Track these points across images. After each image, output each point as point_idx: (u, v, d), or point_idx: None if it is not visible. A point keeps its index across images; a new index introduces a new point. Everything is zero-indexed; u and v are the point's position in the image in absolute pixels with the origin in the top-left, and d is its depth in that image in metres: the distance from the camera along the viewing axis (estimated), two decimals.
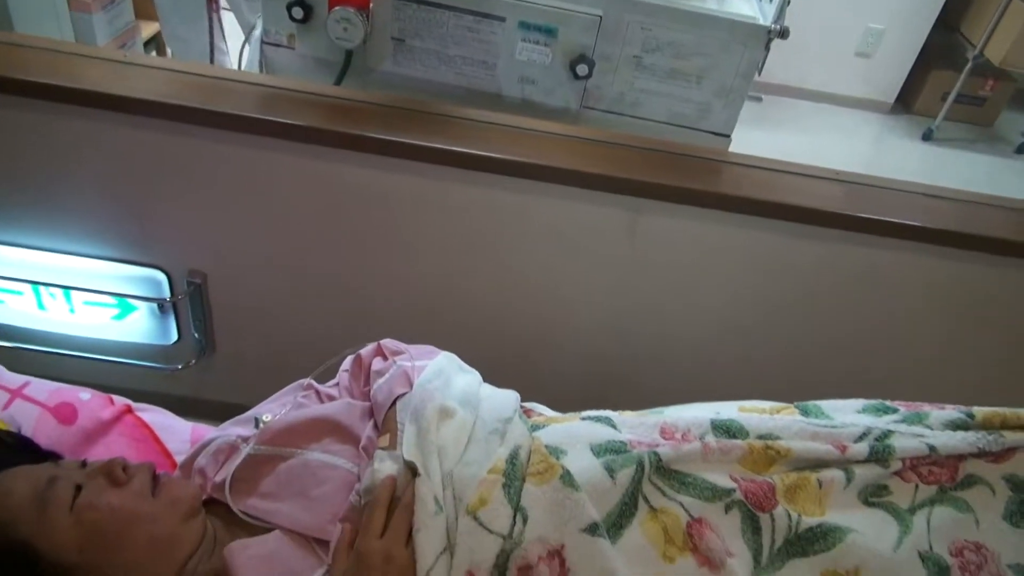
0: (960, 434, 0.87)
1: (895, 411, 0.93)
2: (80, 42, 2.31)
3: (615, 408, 0.99)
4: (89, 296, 1.43)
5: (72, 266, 1.40)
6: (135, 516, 0.77)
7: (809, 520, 0.80)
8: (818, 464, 0.85)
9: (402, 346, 1.05)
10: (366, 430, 0.92)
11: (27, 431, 1.00)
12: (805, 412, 0.94)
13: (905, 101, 3.98)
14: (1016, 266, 1.28)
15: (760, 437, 0.87)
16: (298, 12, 1.40)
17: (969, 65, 3.60)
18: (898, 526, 0.82)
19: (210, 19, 2.17)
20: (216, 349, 1.56)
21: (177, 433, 1.09)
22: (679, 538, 0.79)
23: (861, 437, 0.87)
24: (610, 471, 0.81)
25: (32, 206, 1.34)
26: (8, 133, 1.25)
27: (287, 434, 0.91)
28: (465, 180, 1.25)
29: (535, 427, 0.92)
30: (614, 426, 0.92)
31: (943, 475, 0.86)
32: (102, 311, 1.46)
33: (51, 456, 0.91)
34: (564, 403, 1.10)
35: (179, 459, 1.00)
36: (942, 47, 3.81)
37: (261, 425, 0.94)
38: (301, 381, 1.03)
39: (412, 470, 0.82)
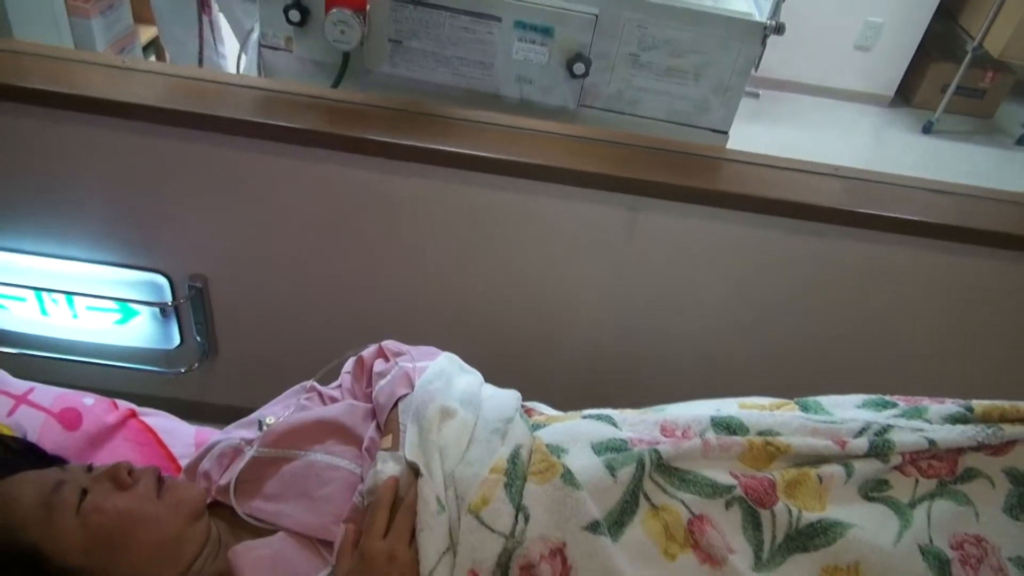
0: (959, 428, 0.87)
1: (894, 406, 0.94)
2: (79, 47, 2.32)
3: (616, 406, 0.99)
4: (91, 301, 1.44)
5: (74, 272, 1.41)
6: (140, 519, 0.78)
7: (809, 515, 0.81)
8: (818, 459, 0.86)
9: (403, 347, 1.05)
10: (368, 431, 0.92)
11: (32, 437, 1.00)
12: (805, 408, 0.95)
13: (905, 94, 3.97)
14: (1016, 259, 1.28)
15: (760, 433, 0.87)
16: (295, 15, 1.40)
17: (968, 57, 3.59)
18: (898, 520, 0.82)
19: (200, 22, 2.17)
20: (219, 352, 1.56)
21: (181, 437, 1.10)
22: (680, 535, 0.80)
23: (861, 432, 0.87)
24: (611, 469, 0.82)
25: (33, 212, 1.34)
26: (7, 140, 1.25)
27: (290, 436, 0.92)
28: (464, 181, 1.26)
29: (536, 426, 0.93)
30: (615, 424, 0.93)
31: (943, 469, 0.86)
32: (104, 316, 1.47)
33: (57, 461, 0.91)
34: (565, 401, 1.11)
35: (183, 463, 1.01)
36: (941, 39, 3.81)
37: (264, 427, 0.94)
38: (304, 383, 1.04)
39: (414, 470, 0.83)
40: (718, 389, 1.05)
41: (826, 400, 0.96)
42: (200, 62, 2.23)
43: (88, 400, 1.08)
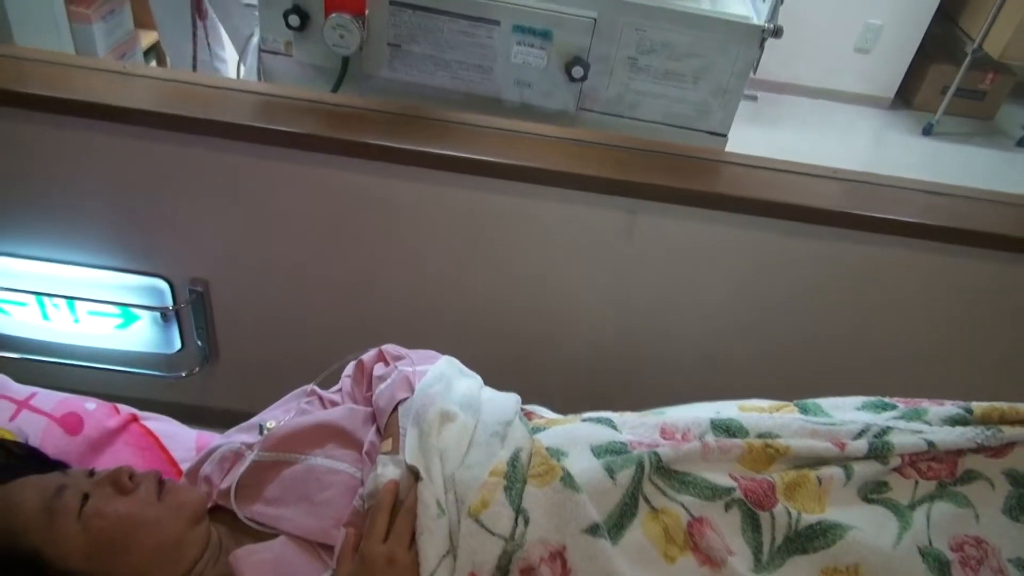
0: (959, 429, 0.87)
1: (894, 407, 0.94)
2: (80, 53, 2.33)
3: (617, 407, 0.99)
4: (92, 306, 1.44)
5: (75, 276, 1.41)
6: (141, 523, 0.78)
7: (809, 517, 0.81)
8: (817, 462, 0.86)
9: (403, 351, 1.05)
10: (369, 435, 0.93)
11: (34, 441, 1.01)
12: (804, 410, 0.95)
13: (905, 96, 3.98)
14: (1013, 261, 1.28)
15: (759, 436, 0.87)
16: (295, 20, 1.41)
17: (968, 59, 3.60)
18: (898, 522, 0.82)
19: (195, 28, 2.19)
20: (219, 357, 1.57)
21: (182, 441, 1.10)
22: (680, 538, 0.80)
23: (860, 434, 0.87)
24: (610, 472, 0.82)
25: (34, 217, 1.35)
26: (9, 145, 1.26)
27: (291, 440, 0.92)
28: (463, 184, 1.26)
29: (536, 429, 0.93)
30: (615, 427, 0.93)
31: (942, 471, 0.86)
32: (106, 321, 1.47)
33: (59, 466, 0.92)
34: (566, 403, 1.11)
35: (185, 467, 1.01)
36: (941, 41, 3.81)
37: (265, 431, 0.94)
38: (304, 387, 1.04)
39: (414, 474, 0.83)
40: (718, 390, 1.06)
41: (825, 402, 0.96)
42: (194, 66, 2.25)
43: (90, 405, 1.08)
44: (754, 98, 3.82)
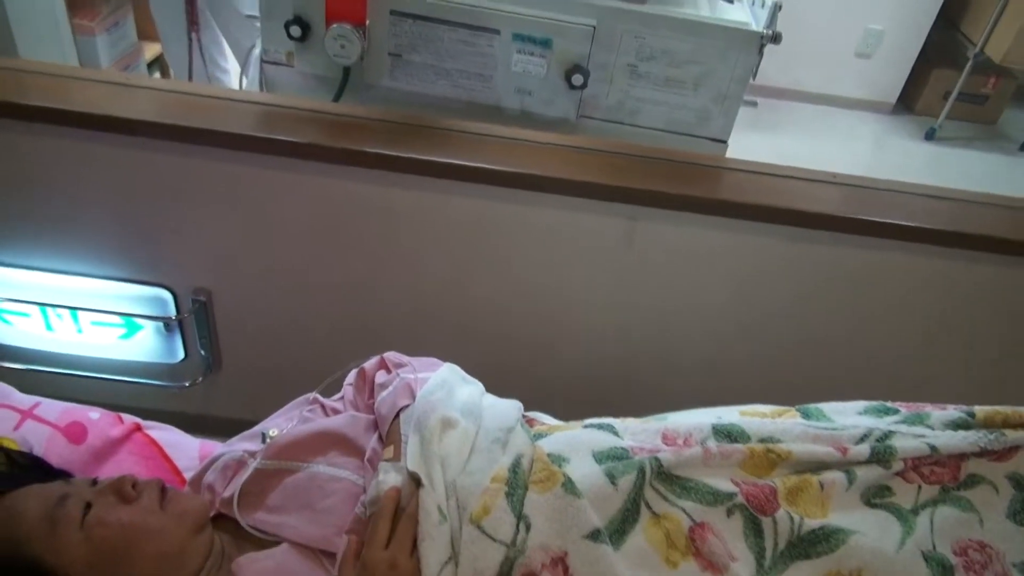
0: (961, 433, 0.87)
1: (896, 412, 0.94)
2: (84, 65, 2.35)
3: (618, 414, 0.99)
4: (96, 316, 1.45)
5: (78, 287, 1.42)
6: (144, 531, 0.78)
7: (811, 522, 0.81)
8: (819, 466, 0.86)
9: (405, 359, 1.06)
10: (371, 442, 0.93)
11: (38, 451, 1.01)
12: (806, 415, 0.95)
13: (907, 101, 3.97)
14: (1012, 263, 1.28)
15: (761, 441, 0.87)
16: (296, 30, 1.42)
17: (970, 63, 3.59)
18: (901, 526, 0.82)
19: (190, 40, 2.22)
20: (222, 366, 1.57)
21: (185, 450, 1.10)
22: (681, 543, 0.80)
23: (862, 439, 0.87)
24: (612, 477, 0.82)
25: (37, 228, 1.36)
26: (12, 157, 1.27)
27: (293, 448, 0.92)
28: (465, 192, 1.27)
29: (537, 436, 0.93)
30: (616, 433, 0.93)
31: (945, 475, 0.86)
32: (109, 331, 1.48)
33: (62, 475, 0.92)
34: (567, 408, 1.11)
35: (188, 476, 1.02)
36: (942, 46, 3.81)
37: (268, 440, 0.95)
38: (307, 395, 1.04)
39: (416, 481, 0.83)
40: (719, 396, 1.05)
41: (827, 407, 0.96)
42: (190, 76, 2.28)
43: (94, 414, 1.09)
44: (754, 104, 3.82)
